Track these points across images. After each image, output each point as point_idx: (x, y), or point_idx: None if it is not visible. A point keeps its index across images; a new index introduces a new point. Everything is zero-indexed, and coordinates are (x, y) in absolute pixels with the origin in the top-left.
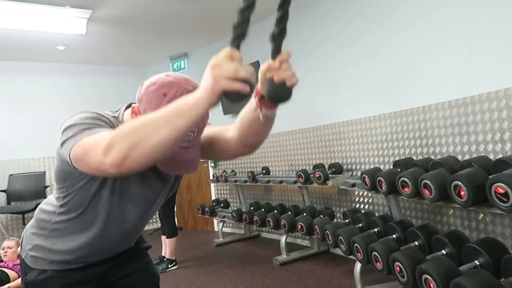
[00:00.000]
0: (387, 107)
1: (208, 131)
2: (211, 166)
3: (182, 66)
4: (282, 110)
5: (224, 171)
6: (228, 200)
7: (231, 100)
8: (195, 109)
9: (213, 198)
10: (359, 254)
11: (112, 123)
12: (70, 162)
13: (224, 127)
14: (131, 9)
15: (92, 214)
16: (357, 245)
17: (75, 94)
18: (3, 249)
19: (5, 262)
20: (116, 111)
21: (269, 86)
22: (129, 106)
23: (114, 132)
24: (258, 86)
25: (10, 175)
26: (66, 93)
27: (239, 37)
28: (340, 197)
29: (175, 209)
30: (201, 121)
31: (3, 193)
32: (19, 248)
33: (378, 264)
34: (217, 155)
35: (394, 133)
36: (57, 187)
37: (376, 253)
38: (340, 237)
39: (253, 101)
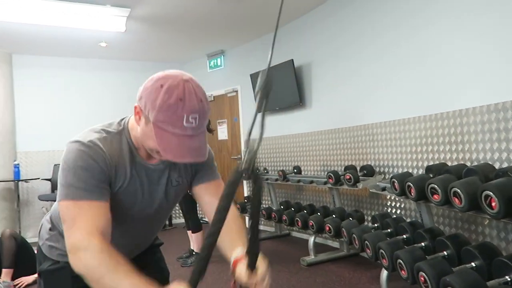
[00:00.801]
0: (422, 110)
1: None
2: None
3: (219, 63)
4: (317, 109)
5: (257, 168)
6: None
7: None
8: None
9: (245, 195)
10: (384, 261)
11: (106, 162)
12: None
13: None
14: (168, 7)
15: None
16: (383, 251)
17: (116, 88)
18: None
19: None
20: (122, 120)
21: None
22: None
23: (87, 244)
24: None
25: (55, 165)
26: (108, 87)
27: (199, 275)
28: (372, 200)
29: (197, 204)
30: (202, 108)
31: (49, 182)
32: None
33: (403, 272)
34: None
35: (428, 136)
36: None
37: (401, 261)
38: (366, 241)
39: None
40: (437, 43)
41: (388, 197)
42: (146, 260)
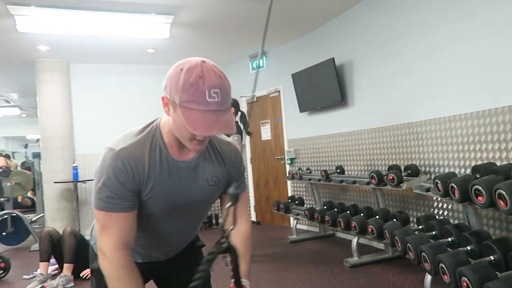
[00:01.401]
0: (470, 107)
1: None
2: (287, 163)
3: (261, 64)
4: (359, 108)
5: (300, 168)
6: (304, 197)
7: None
8: None
9: (290, 195)
10: (426, 264)
11: (139, 158)
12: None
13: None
14: (209, 12)
15: (142, 224)
16: (425, 254)
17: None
18: None
19: None
20: (153, 122)
21: None
22: None
23: (112, 254)
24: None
25: None
26: (156, 91)
27: None
28: (418, 201)
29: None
30: (222, 84)
31: None
32: None
33: (446, 277)
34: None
35: (476, 134)
36: None
37: (443, 265)
38: (408, 244)
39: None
40: (486, 34)
41: (434, 198)
42: (187, 262)
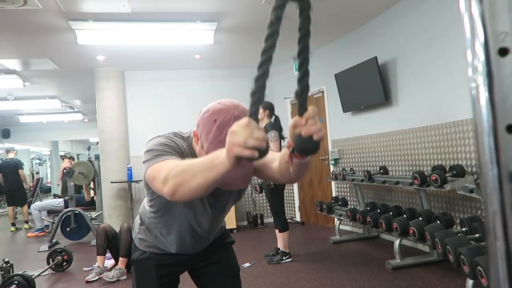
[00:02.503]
0: None
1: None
2: (331, 164)
3: None
4: (403, 107)
5: (343, 169)
6: (348, 198)
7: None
8: (220, 167)
9: (333, 195)
10: (465, 267)
11: (178, 147)
12: (146, 180)
13: (274, 155)
14: (251, 16)
15: (170, 219)
16: (463, 256)
17: (210, 94)
18: None
19: None
20: (188, 132)
21: (297, 140)
22: None
23: (171, 168)
24: (290, 139)
25: None
26: (202, 94)
27: (256, 104)
28: (464, 202)
29: (284, 205)
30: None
31: None
32: None
33: (483, 280)
34: (266, 178)
35: None
36: (146, 191)
37: (481, 268)
38: (447, 246)
39: (286, 153)
40: None
41: (481, 200)
42: (219, 256)
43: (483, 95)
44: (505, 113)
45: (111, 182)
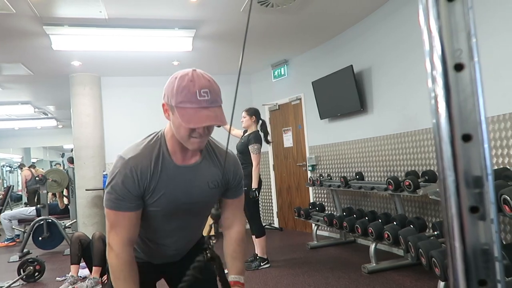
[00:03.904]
0: (489, 111)
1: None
2: (309, 170)
3: (283, 73)
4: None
5: (321, 175)
6: (325, 203)
7: None
8: None
9: (311, 201)
10: (437, 269)
11: (145, 164)
12: None
13: (232, 215)
14: (230, 24)
15: (150, 224)
16: (435, 259)
17: None
18: None
19: None
20: (159, 131)
21: None
22: None
23: (117, 252)
24: None
25: None
26: None
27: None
28: (436, 206)
29: (259, 211)
30: (211, 85)
31: None
32: None
33: None
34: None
35: (492, 139)
36: None
37: None
38: (420, 249)
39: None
40: (499, 41)
41: None
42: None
43: (442, 107)
44: (461, 123)
45: (86, 190)
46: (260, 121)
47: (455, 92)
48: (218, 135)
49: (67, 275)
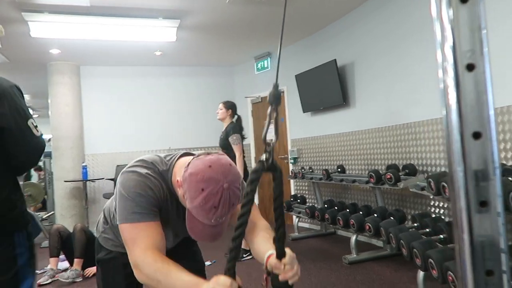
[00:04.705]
0: None
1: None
2: (291, 163)
3: (265, 65)
4: (360, 109)
5: (303, 167)
6: (307, 196)
7: None
8: None
9: (292, 193)
10: (418, 260)
11: (156, 196)
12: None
13: (254, 217)
14: (215, 15)
15: None
16: (416, 250)
17: (172, 92)
18: None
19: None
20: (169, 160)
21: (274, 281)
22: (182, 155)
23: (144, 258)
24: (266, 274)
25: (117, 165)
26: (164, 92)
27: (233, 261)
28: (415, 199)
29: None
30: (230, 211)
31: (112, 181)
32: None
33: (434, 271)
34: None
35: None
36: (114, 204)
37: (432, 260)
38: (401, 241)
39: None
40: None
41: (430, 197)
42: (184, 253)
43: (453, 105)
44: (472, 121)
45: (65, 181)
46: (236, 116)
47: (467, 91)
48: None
49: (46, 268)
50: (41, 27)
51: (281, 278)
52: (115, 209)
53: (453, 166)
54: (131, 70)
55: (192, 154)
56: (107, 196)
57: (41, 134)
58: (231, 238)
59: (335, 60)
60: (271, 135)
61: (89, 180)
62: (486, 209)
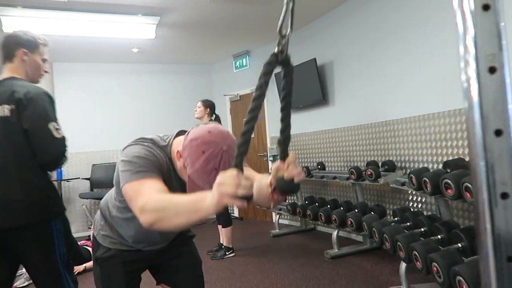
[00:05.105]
0: (442, 106)
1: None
2: (270, 160)
3: (244, 64)
4: (339, 107)
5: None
6: None
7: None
8: (204, 212)
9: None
10: (401, 253)
11: (158, 161)
12: (121, 191)
13: (249, 173)
14: (195, 13)
15: None
16: (400, 243)
17: (149, 90)
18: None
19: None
20: (167, 138)
21: (280, 182)
22: (178, 134)
23: (150, 199)
24: (272, 179)
25: (93, 164)
26: (141, 90)
27: (241, 156)
28: (394, 194)
29: None
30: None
31: (87, 181)
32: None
33: (418, 263)
34: None
35: (449, 132)
36: (115, 188)
37: (416, 253)
38: (385, 234)
39: (267, 189)
40: (454, 44)
41: (409, 192)
42: (181, 250)
43: (476, 105)
44: (494, 120)
45: None
46: (214, 115)
47: (489, 92)
48: None
49: (22, 270)
50: (14, 22)
51: (286, 176)
52: (117, 183)
53: (476, 161)
54: (106, 67)
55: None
56: (84, 196)
57: (63, 137)
58: (241, 133)
59: (314, 59)
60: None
61: (64, 179)
62: (506, 201)
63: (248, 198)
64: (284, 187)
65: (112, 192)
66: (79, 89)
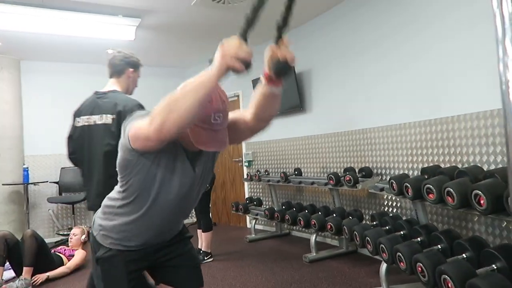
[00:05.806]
0: (417, 116)
1: (231, 116)
2: (245, 166)
3: None
4: (317, 114)
5: (258, 170)
6: (261, 198)
7: (235, 73)
8: (210, 81)
9: (247, 196)
10: (384, 255)
11: None
12: (129, 143)
13: (243, 111)
14: (175, 17)
15: (143, 198)
16: (383, 246)
17: None
18: (71, 235)
19: (63, 249)
20: None
21: (274, 64)
22: None
23: (155, 109)
24: (266, 69)
25: (62, 168)
26: None
27: (246, 26)
28: (370, 200)
29: (210, 206)
30: (224, 109)
31: (56, 185)
32: (83, 236)
33: (402, 264)
34: (241, 134)
35: (423, 140)
36: (119, 177)
37: (400, 254)
38: (367, 238)
39: (262, 82)
40: (432, 54)
41: (385, 197)
42: (181, 250)
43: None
44: None
45: (3, 185)
46: None
47: None
48: None
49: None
50: None
51: (280, 57)
52: (121, 167)
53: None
54: (78, 67)
55: None
56: (52, 200)
57: None
58: (250, 10)
59: (293, 66)
60: None
61: (31, 183)
62: None
63: (247, 64)
64: (278, 69)
65: (116, 186)
66: (48, 88)
